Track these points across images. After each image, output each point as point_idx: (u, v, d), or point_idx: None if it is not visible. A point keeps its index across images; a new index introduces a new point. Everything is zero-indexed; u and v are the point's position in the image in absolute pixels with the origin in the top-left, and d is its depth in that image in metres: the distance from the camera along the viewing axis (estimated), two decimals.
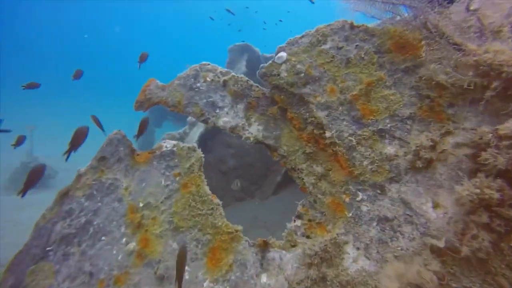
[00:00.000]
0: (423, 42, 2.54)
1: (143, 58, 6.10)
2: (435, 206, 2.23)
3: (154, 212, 3.22)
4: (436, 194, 2.27)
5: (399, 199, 2.39)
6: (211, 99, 3.46)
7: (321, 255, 2.45)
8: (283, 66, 3.15)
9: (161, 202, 3.22)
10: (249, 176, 9.80)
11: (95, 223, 3.28)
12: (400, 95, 2.59)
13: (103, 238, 3.23)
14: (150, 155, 3.50)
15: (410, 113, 2.51)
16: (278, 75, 3.14)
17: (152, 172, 3.41)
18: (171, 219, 3.12)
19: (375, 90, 2.71)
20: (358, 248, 2.43)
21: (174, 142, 3.47)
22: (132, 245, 3.15)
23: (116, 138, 3.62)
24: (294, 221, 2.77)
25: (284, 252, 2.66)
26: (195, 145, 3.35)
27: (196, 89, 3.55)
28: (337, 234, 2.54)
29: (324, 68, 2.98)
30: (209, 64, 3.63)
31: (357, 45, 2.89)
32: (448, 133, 2.31)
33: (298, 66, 3.07)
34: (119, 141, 3.61)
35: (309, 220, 2.70)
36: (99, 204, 3.44)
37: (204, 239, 2.92)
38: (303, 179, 2.85)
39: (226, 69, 3.55)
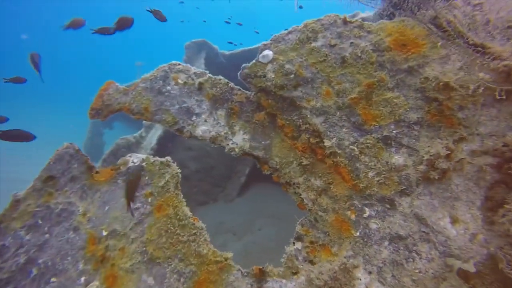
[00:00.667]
0: (428, 40, 2.33)
1: (34, 60, 5.07)
2: (454, 221, 2.02)
3: (122, 242, 2.67)
4: (454, 207, 2.06)
5: (412, 214, 2.15)
6: (185, 105, 2.97)
7: (330, 284, 2.13)
8: (269, 66, 2.77)
9: (131, 229, 2.67)
10: (212, 179, 9.34)
11: (40, 261, 2.64)
12: (405, 98, 2.36)
13: (53, 280, 2.60)
14: (114, 172, 2.92)
15: (418, 117, 2.29)
16: (264, 76, 2.76)
17: (117, 192, 2.84)
18: (144, 248, 2.59)
19: (376, 93, 2.45)
20: (370, 272, 2.15)
21: (142, 156, 2.93)
22: (95, 286, 2.58)
23: (67, 153, 2.98)
24: (294, 243, 2.42)
25: (284, 281, 2.30)
26: (169, 159, 2.84)
27: (166, 93, 3.04)
28: (344, 257, 2.24)
29: (317, 68, 2.66)
30: (179, 64, 3.13)
31: (352, 43, 2.61)
32: (462, 139, 2.11)
33: (287, 66, 2.72)
34: (71, 157, 2.97)
35: (311, 242, 2.36)
36: (47, 236, 2.79)
37: (187, 271, 2.45)
38: (300, 194, 2.51)
39: (200, 70, 3.08)
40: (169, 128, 2.99)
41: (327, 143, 2.45)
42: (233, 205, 8.83)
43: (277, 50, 2.80)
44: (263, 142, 2.73)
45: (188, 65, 3.13)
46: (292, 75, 2.69)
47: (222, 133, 2.83)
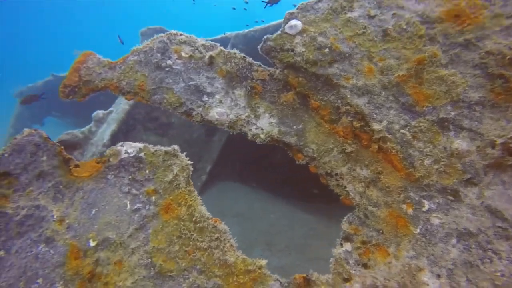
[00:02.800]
0: (487, 9, 2.08)
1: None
2: None
3: (119, 253, 2.07)
4: None
5: (483, 207, 1.87)
6: (193, 83, 2.43)
7: None
8: (298, 39, 2.34)
9: (130, 236, 2.09)
10: None
11: None
12: (462, 75, 2.08)
13: None
14: (100, 165, 2.29)
15: (479, 97, 2.02)
16: (293, 50, 2.33)
17: (107, 191, 2.23)
18: (150, 260, 2.03)
19: (428, 70, 2.14)
20: (439, 276, 1.83)
21: (139, 144, 2.34)
22: None
23: (30, 142, 2.29)
24: (341, 245, 2.03)
25: None
26: (176, 148, 2.29)
27: (167, 69, 2.47)
28: (405, 258, 1.90)
29: (355, 42, 2.30)
30: (182, 34, 2.58)
31: (394, 14, 2.29)
32: None
33: (320, 38, 2.32)
34: (37, 147, 2.28)
35: (363, 242, 1.99)
36: (0, 253, 2.12)
37: (210, 285, 1.95)
38: (345, 187, 2.12)
39: (210, 42, 2.56)
40: (172, 111, 2.42)
41: (376, 126, 2.09)
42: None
43: (305, 20, 2.39)
44: (294, 127, 2.30)
45: (194, 36, 2.59)
46: (327, 49, 2.29)
47: (243, 116, 2.34)
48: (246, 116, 2.34)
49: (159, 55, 2.50)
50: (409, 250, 1.91)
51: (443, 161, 1.99)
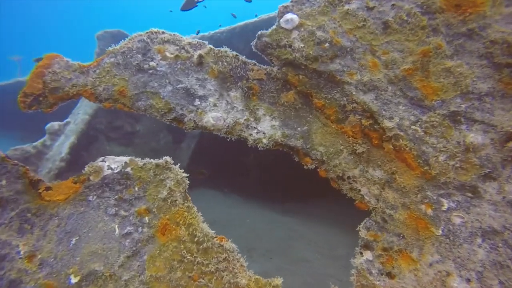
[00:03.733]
0: None
1: None
2: None
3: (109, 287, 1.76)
4: None
5: (504, 202, 1.79)
6: (181, 85, 2.17)
7: None
8: (296, 34, 2.17)
9: (121, 266, 1.79)
10: None
11: None
12: (468, 66, 2.01)
13: None
14: (79, 185, 1.96)
15: (488, 88, 1.96)
16: (290, 46, 2.14)
17: (90, 215, 1.90)
18: None
19: (433, 62, 2.05)
20: (468, 280, 1.72)
21: (124, 158, 2.03)
22: None
23: None
24: (361, 254, 1.86)
25: None
26: (169, 159, 2.02)
27: (151, 71, 2.19)
28: (431, 263, 1.77)
29: (355, 35, 2.16)
30: (164, 32, 2.31)
31: (393, 5, 2.18)
32: None
33: (319, 33, 2.15)
34: None
35: (384, 249, 1.84)
36: None
37: None
38: (359, 190, 1.96)
39: (197, 39, 2.31)
40: (160, 118, 2.14)
41: (388, 124, 1.96)
42: None
43: (301, 13, 2.22)
44: (299, 129, 2.11)
45: (177, 34, 2.33)
46: (327, 44, 2.13)
47: (242, 120, 2.11)
48: (245, 119, 2.11)
49: (139, 56, 2.21)
50: (434, 254, 1.79)
51: (458, 157, 1.90)
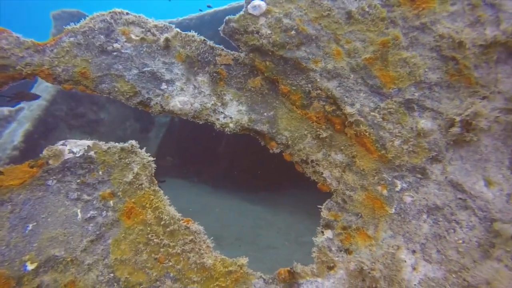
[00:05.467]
0: None
1: None
2: (489, 184, 1.95)
3: (71, 272, 1.73)
4: (485, 170, 1.98)
5: (446, 181, 2.00)
6: (147, 69, 2.12)
7: (375, 273, 1.80)
8: (263, 20, 2.19)
9: (84, 251, 1.76)
10: None
11: None
12: (421, 57, 2.17)
13: None
14: (36, 170, 1.87)
15: (437, 78, 2.13)
16: (257, 32, 2.17)
17: (49, 200, 1.83)
18: (112, 275, 1.74)
19: (391, 53, 2.19)
20: (414, 251, 1.91)
21: (87, 142, 1.97)
22: None
23: None
24: (322, 232, 1.98)
25: (320, 280, 1.85)
26: (134, 143, 1.99)
27: (115, 53, 2.11)
28: (384, 239, 1.94)
29: (320, 24, 2.24)
30: (129, 13, 2.22)
31: None
32: (485, 98, 2.05)
33: (286, 20, 2.20)
34: None
35: (344, 228, 1.97)
36: None
37: None
38: (322, 173, 2.07)
39: (163, 22, 2.25)
40: (125, 102, 2.09)
41: (349, 110, 2.07)
42: None
43: (269, 0, 2.24)
44: (265, 114, 2.16)
45: (142, 15, 2.25)
46: (293, 31, 2.19)
47: (209, 105, 2.12)
48: (212, 104, 2.12)
49: (102, 37, 2.12)
50: (387, 231, 1.96)
51: (411, 141, 2.07)
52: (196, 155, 9.67)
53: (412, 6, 2.24)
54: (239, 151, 8.89)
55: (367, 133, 2.08)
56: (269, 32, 2.17)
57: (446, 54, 2.15)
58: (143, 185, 1.89)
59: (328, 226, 1.99)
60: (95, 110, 9.02)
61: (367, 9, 2.25)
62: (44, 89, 7.48)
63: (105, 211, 1.83)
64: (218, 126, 2.11)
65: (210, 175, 9.60)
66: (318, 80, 2.15)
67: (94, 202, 1.84)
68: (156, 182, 1.94)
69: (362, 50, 2.20)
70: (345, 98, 2.13)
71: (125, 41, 2.14)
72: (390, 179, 2.05)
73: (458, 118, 1.99)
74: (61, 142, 1.95)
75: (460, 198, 1.96)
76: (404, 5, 2.24)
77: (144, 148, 1.99)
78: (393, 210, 1.99)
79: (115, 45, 2.12)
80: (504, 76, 2.07)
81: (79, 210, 1.81)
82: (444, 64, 2.15)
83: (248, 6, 2.21)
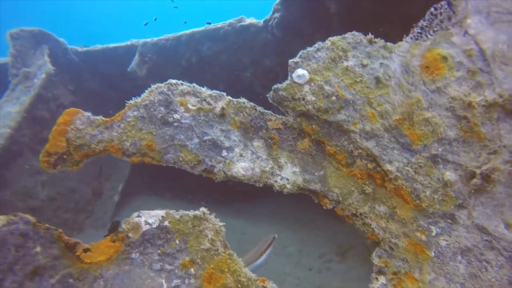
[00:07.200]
0: (445, 62, 2.60)
1: None
2: (508, 226, 2.33)
3: None
4: (503, 213, 2.37)
5: (473, 225, 2.36)
6: (208, 137, 2.30)
7: None
8: (307, 88, 2.48)
9: None
10: (73, 205, 7.83)
11: None
12: (440, 117, 2.56)
13: None
14: (119, 244, 1.98)
15: (455, 135, 2.52)
16: (303, 99, 2.45)
17: (135, 273, 1.93)
18: None
19: (416, 113, 2.56)
20: None
21: (160, 212, 2.10)
22: None
23: (12, 232, 1.80)
24: (377, 279, 2.25)
25: None
26: (205, 210, 2.15)
27: (176, 124, 2.28)
28: (429, 281, 2.24)
29: (355, 89, 2.56)
30: (182, 84, 2.41)
31: (381, 63, 2.64)
32: (495, 152, 2.46)
33: (327, 87, 2.50)
34: (24, 237, 1.82)
35: (394, 273, 2.25)
36: None
37: None
38: (370, 225, 2.35)
39: (215, 91, 2.45)
40: (190, 170, 2.25)
41: (389, 167, 2.39)
42: (106, 231, 7.60)
43: (310, 69, 2.53)
44: (316, 173, 2.42)
45: (196, 85, 2.44)
46: (334, 97, 2.49)
47: (267, 169, 2.33)
48: (270, 168, 2.34)
49: (162, 108, 2.28)
50: (430, 273, 2.27)
51: (439, 191, 2.42)
52: (166, 170, 9.48)
53: (428, 72, 2.64)
54: None
55: (403, 186, 2.40)
56: (313, 98, 2.46)
57: (459, 113, 2.55)
58: (219, 250, 2.05)
59: (380, 272, 2.26)
60: None
61: (391, 75, 2.62)
62: (7, 114, 6.92)
63: (187, 279, 1.96)
64: (277, 188, 2.33)
65: (182, 190, 9.38)
66: (358, 140, 2.46)
67: (176, 271, 1.96)
68: (228, 245, 2.11)
69: (391, 111, 2.54)
70: (383, 156, 2.45)
71: (184, 111, 2.32)
72: (426, 226, 2.38)
73: (478, 171, 2.38)
74: (135, 214, 2.06)
75: (486, 240, 2.33)
76: (422, 71, 2.64)
77: (213, 214, 2.16)
78: (433, 253, 2.31)
79: (175, 115, 2.29)
80: (506, 132, 2.51)
81: (163, 281, 1.93)
82: (458, 122, 2.56)
83: (293, 75, 2.48)
